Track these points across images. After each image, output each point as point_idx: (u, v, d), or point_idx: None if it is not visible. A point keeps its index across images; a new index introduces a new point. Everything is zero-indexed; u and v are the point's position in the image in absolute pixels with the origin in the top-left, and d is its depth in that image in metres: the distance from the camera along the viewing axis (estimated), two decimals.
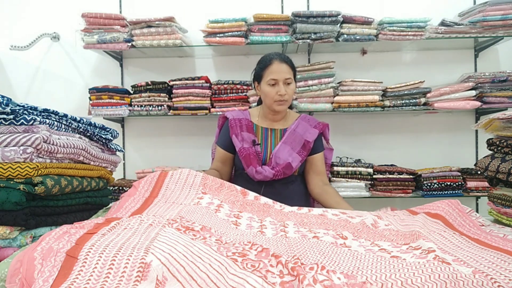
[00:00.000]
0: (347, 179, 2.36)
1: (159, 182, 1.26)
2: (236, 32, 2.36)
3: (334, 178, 2.38)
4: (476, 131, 2.58)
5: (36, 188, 0.96)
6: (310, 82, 2.38)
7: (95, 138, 1.34)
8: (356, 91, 2.37)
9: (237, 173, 1.81)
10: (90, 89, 2.48)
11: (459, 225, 1.00)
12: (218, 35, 2.38)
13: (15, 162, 0.97)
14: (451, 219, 1.03)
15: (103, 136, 1.37)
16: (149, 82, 2.45)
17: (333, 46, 2.48)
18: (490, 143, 1.25)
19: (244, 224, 1.06)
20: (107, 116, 2.49)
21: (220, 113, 2.37)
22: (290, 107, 1.93)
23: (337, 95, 2.40)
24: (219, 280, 0.65)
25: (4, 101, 0.98)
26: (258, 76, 1.75)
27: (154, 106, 2.44)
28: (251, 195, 1.30)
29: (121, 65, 2.72)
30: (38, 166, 0.98)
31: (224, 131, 1.79)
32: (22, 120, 1.00)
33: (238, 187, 1.34)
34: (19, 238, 0.95)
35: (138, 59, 2.72)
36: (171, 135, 2.74)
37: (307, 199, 1.79)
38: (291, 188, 1.71)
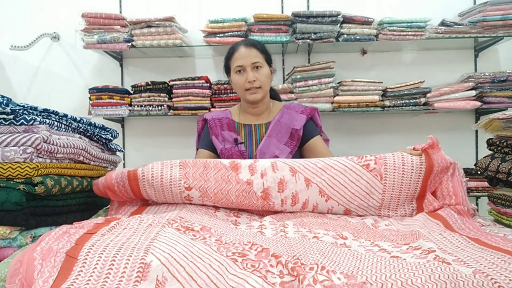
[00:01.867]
0: None
1: (134, 189, 1.12)
2: (236, 32, 2.36)
3: None
4: (476, 131, 2.58)
5: (36, 188, 0.96)
6: (310, 82, 2.38)
7: (95, 138, 1.34)
8: (356, 91, 2.37)
9: None
10: (90, 89, 2.47)
11: (459, 228, 1.01)
12: (218, 35, 2.38)
13: (15, 162, 0.97)
14: (452, 221, 1.03)
15: (103, 136, 1.37)
16: (149, 82, 2.45)
17: (333, 46, 2.48)
18: (490, 143, 1.25)
19: (243, 224, 1.06)
20: (107, 116, 2.49)
21: None
22: (278, 98, 1.78)
23: (337, 95, 2.40)
24: (219, 281, 0.65)
25: (4, 101, 0.98)
26: (227, 68, 1.60)
27: (154, 106, 2.44)
28: (244, 168, 1.12)
29: (121, 65, 2.72)
30: (38, 166, 0.98)
31: (204, 133, 1.66)
32: (22, 120, 1.00)
33: (227, 162, 1.14)
34: (19, 238, 0.95)
35: (138, 59, 2.72)
36: (171, 135, 2.74)
37: None
38: None
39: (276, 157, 1.47)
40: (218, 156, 1.61)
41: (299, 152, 1.58)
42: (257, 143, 1.57)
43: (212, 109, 2.44)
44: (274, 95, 1.75)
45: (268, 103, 1.64)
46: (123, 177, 1.12)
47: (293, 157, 1.51)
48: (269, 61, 1.58)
